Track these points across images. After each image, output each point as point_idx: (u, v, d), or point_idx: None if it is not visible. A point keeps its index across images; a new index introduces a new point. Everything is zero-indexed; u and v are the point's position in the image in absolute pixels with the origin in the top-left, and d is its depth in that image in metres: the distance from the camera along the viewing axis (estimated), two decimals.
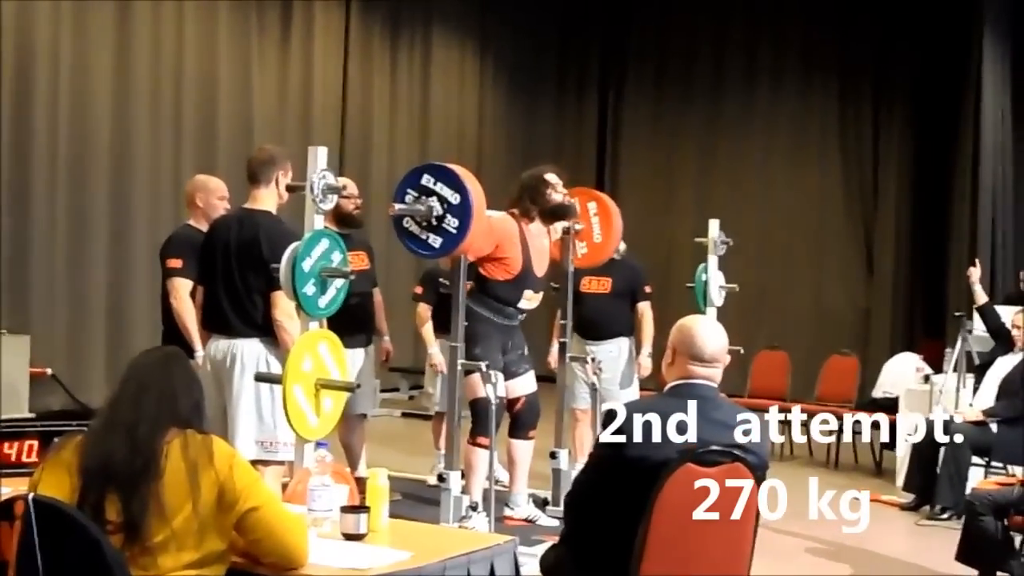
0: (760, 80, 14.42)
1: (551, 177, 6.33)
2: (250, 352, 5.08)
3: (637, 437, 3.42)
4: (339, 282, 4.45)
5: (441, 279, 6.44)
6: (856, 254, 13.92)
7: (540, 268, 6.25)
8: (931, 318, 12.76)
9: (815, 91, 14.09)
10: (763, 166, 14.34)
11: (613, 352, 7.31)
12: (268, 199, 5.21)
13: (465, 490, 6.05)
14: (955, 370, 8.10)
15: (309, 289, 4.34)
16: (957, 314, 8.41)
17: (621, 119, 15.56)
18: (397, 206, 4.76)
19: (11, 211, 9.26)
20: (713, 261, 7.46)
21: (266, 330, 5.06)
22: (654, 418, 3.49)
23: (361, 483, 3.60)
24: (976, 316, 8.28)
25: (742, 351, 7.55)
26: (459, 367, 5.67)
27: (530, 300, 6.20)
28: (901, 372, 9.39)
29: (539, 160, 13.04)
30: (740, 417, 3.57)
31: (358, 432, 6.80)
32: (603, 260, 7.12)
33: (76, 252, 9.79)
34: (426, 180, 4.72)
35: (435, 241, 4.74)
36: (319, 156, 4.41)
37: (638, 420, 3.47)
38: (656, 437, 3.42)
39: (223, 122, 11.12)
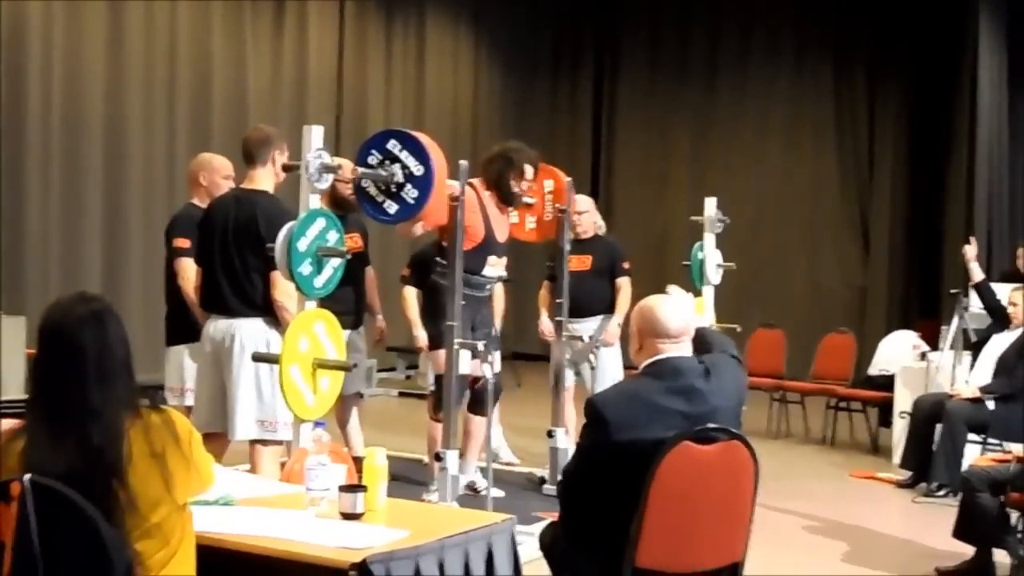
0: (754, 58, 14.38)
1: (528, 171, 6.31)
2: (250, 332, 5.07)
3: (622, 422, 3.42)
4: (335, 261, 4.43)
5: (437, 258, 6.40)
6: (852, 232, 13.92)
7: (501, 234, 6.29)
8: (927, 296, 12.77)
9: (809, 69, 14.06)
10: (758, 145, 14.32)
11: (594, 330, 7.30)
12: (265, 179, 5.21)
13: (428, 466, 6.10)
14: (951, 347, 8.10)
15: (305, 269, 4.33)
16: (953, 292, 8.39)
17: (616, 99, 15.53)
18: (360, 169, 4.74)
19: (5, 193, 9.25)
20: (710, 239, 7.44)
21: (266, 309, 5.06)
22: (636, 401, 3.50)
23: (359, 462, 3.60)
24: (972, 293, 8.28)
25: (739, 329, 7.57)
26: (455, 346, 5.66)
27: (495, 266, 6.22)
28: (897, 350, 9.39)
29: (533, 143, 13.04)
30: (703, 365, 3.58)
31: (354, 412, 6.81)
32: (550, 236, 7.07)
33: (71, 233, 9.79)
34: (392, 145, 4.69)
35: (391, 207, 4.72)
36: (314, 135, 4.39)
37: (620, 405, 3.49)
38: (642, 419, 3.43)
39: (217, 102, 11.09)
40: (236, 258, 5.11)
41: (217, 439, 5.05)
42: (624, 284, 7.40)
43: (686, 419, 3.44)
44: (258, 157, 5.19)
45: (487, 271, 6.18)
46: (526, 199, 6.60)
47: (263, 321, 5.08)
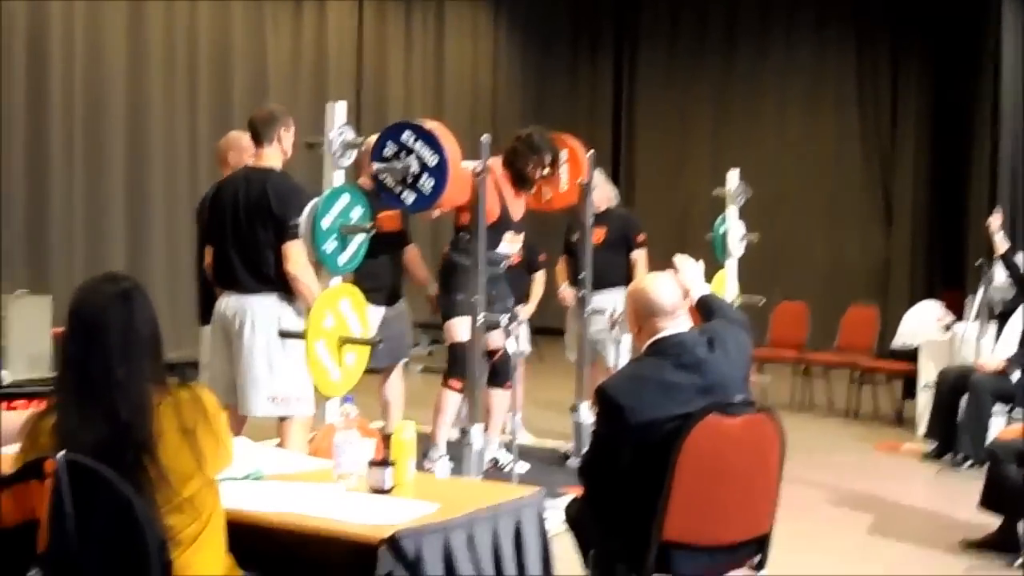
0: (775, 31, 14.31)
1: (546, 158, 6.29)
2: (262, 308, 5.07)
3: (635, 406, 3.43)
4: (359, 238, 4.44)
5: (461, 234, 6.40)
6: (875, 203, 13.86)
7: (517, 212, 6.32)
8: (951, 267, 12.70)
9: (830, 40, 13.97)
10: (779, 117, 14.26)
11: (608, 303, 7.26)
12: (273, 156, 5.21)
13: (431, 435, 6.15)
14: (976, 318, 8.07)
15: (329, 246, 4.35)
16: (978, 263, 8.35)
17: (636, 74, 15.48)
18: (375, 165, 4.77)
19: (29, 173, 9.30)
20: (732, 212, 7.42)
21: (279, 285, 5.07)
22: (646, 382, 3.51)
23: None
24: (997, 264, 8.24)
25: (763, 301, 7.55)
26: (480, 320, 5.68)
27: (511, 242, 6.25)
28: (921, 321, 9.34)
29: (554, 117, 13.00)
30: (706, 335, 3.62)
31: (391, 385, 6.87)
32: (564, 207, 7.06)
33: (95, 212, 9.84)
34: (406, 137, 4.72)
35: (408, 197, 4.75)
36: (337, 112, 4.39)
37: (631, 389, 3.49)
38: (655, 399, 3.44)
39: (238, 81, 11.11)
40: (248, 234, 5.11)
41: (236, 414, 5.10)
42: (640, 258, 7.39)
43: (699, 392, 3.45)
44: (264, 136, 5.20)
45: (503, 247, 6.21)
46: (543, 172, 6.59)
47: (276, 296, 5.08)
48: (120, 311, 2.69)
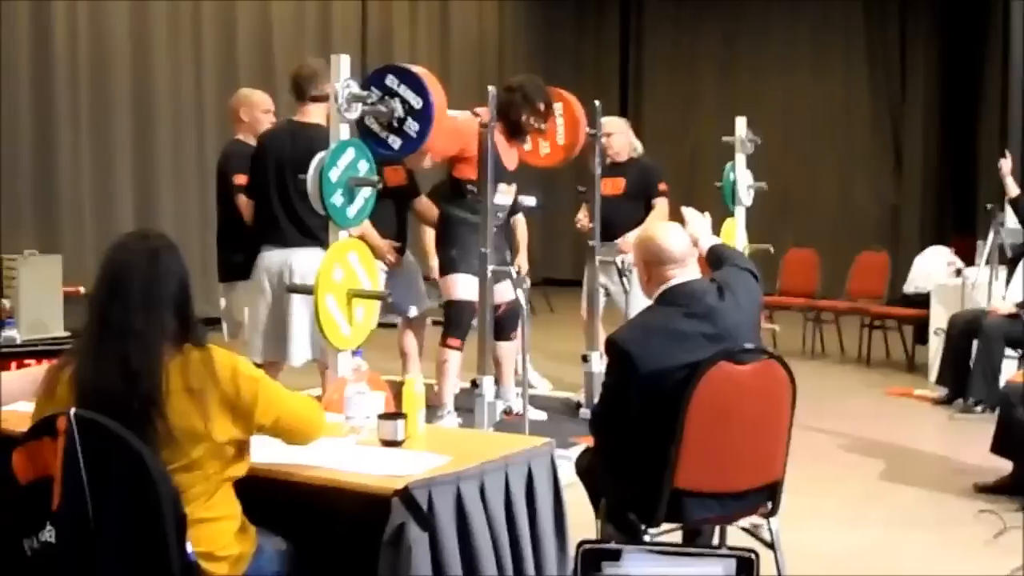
0: None
1: (540, 107, 6.24)
2: (305, 260, 5.22)
3: (646, 355, 3.42)
4: (367, 191, 4.43)
5: (467, 186, 6.38)
6: (884, 149, 13.80)
7: (510, 162, 6.28)
8: (961, 212, 12.67)
9: None
10: (787, 64, 14.18)
11: (628, 255, 7.22)
12: (317, 112, 5.37)
13: (435, 395, 6.14)
14: (987, 263, 8.04)
15: (337, 199, 4.33)
16: (988, 207, 8.31)
17: (643, 24, 15.39)
18: (362, 108, 4.76)
19: (37, 134, 9.29)
20: (741, 160, 7.37)
21: (321, 239, 5.11)
22: (656, 331, 3.51)
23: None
24: (1008, 209, 8.20)
25: (772, 250, 7.53)
26: (489, 273, 5.68)
27: (505, 193, 6.21)
28: (932, 267, 9.32)
29: (560, 68, 12.91)
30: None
31: (408, 335, 6.90)
32: (564, 160, 7.01)
33: (102, 171, 9.84)
34: (390, 81, 4.71)
35: (395, 142, 4.74)
36: (342, 65, 4.37)
37: (641, 339, 3.49)
38: (665, 348, 3.43)
39: (242, 39, 11.07)
40: (292, 189, 5.22)
41: (274, 367, 5.29)
42: (659, 204, 7.31)
43: (708, 340, 3.45)
44: (307, 92, 5.37)
45: (498, 199, 6.18)
46: (539, 125, 6.55)
47: (320, 250, 5.12)
48: (145, 265, 2.74)
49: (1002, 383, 6.71)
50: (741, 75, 14.38)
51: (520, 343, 6.09)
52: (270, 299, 5.42)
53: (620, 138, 7.37)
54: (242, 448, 2.83)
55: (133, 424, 2.59)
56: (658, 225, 3.85)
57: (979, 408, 7.29)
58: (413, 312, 6.84)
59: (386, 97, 4.67)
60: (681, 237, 3.69)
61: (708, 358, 3.36)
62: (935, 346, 8.34)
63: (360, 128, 4.86)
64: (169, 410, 2.66)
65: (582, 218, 7.28)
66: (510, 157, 6.29)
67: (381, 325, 7.31)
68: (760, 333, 3.73)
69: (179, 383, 2.68)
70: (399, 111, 4.69)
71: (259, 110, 6.08)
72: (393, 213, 6.45)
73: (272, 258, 5.40)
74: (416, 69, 4.83)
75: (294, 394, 2.95)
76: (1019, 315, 7.24)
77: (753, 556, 3.02)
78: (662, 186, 7.39)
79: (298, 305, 5.29)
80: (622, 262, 7.13)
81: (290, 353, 5.36)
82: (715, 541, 3.92)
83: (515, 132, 6.26)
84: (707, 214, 4.21)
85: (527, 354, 7.55)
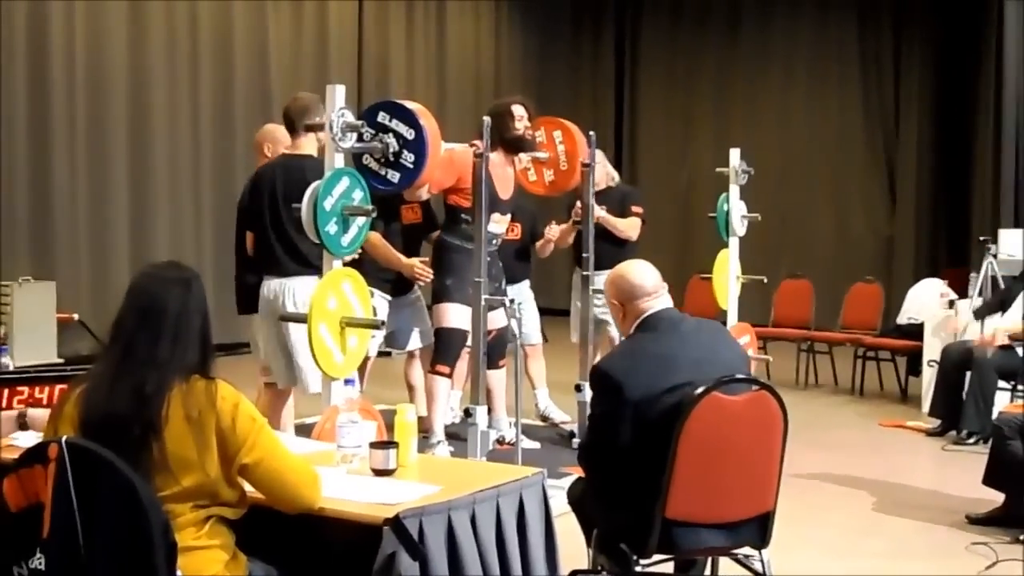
0: (778, 7, 14.26)
1: (516, 109, 6.41)
2: (303, 289, 5.27)
3: (633, 381, 3.44)
4: (361, 220, 4.45)
5: (463, 217, 6.40)
6: (878, 180, 13.83)
7: (504, 192, 6.35)
8: (955, 244, 12.69)
9: (833, 16, 13.91)
10: (782, 95, 14.23)
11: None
12: (308, 144, 5.50)
13: (426, 422, 6.18)
14: (980, 295, 8.06)
15: (331, 228, 4.34)
16: (982, 239, 8.33)
17: (638, 53, 15.44)
18: (354, 145, 4.80)
19: (32, 159, 9.30)
20: (734, 191, 7.40)
21: (318, 268, 5.13)
22: (641, 356, 3.53)
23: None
24: (1001, 240, 8.22)
25: (765, 281, 7.55)
26: (483, 301, 5.69)
27: (498, 223, 6.28)
28: (926, 298, 9.33)
29: (557, 99, 12.98)
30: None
31: (414, 367, 7.04)
32: (570, 187, 7.10)
33: (97, 198, 9.84)
34: (382, 118, 4.76)
35: (394, 176, 4.77)
36: (337, 94, 4.39)
37: (628, 365, 3.51)
38: (652, 372, 3.45)
39: (239, 65, 11.08)
40: (286, 219, 5.32)
41: (285, 391, 5.55)
42: (630, 219, 7.52)
43: (694, 362, 3.48)
44: (299, 124, 5.47)
45: (491, 227, 6.22)
46: (538, 154, 6.63)
47: (316, 278, 5.14)
48: (179, 295, 2.80)
49: (995, 415, 6.72)
50: (736, 105, 14.43)
51: (515, 369, 6.09)
52: (276, 328, 5.45)
53: (599, 168, 7.42)
54: (235, 488, 2.83)
55: (131, 448, 2.62)
56: (625, 263, 3.86)
57: (972, 440, 7.29)
58: (412, 345, 6.88)
59: (379, 134, 4.71)
60: (650, 270, 3.74)
61: (699, 393, 3.35)
62: (928, 377, 8.34)
63: (357, 166, 4.90)
64: (166, 436, 2.68)
65: (553, 233, 7.43)
66: (504, 186, 6.33)
67: (381, 354, 7.38)
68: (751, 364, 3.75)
69: (179, 411, 2.71)
70: (394, 145, 4.73)
71: (282, 146, 6.14)
72: (400, 250, 6.55)
73: (270, 287, 5.48)
74: (406, 103, 4.88)
75: (295, 455, 2.96)
76: (1012, 346, 7.25)
77: None
78: (636, 208, 7.63)
79: (304, 333, 5.27)
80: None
81: (304, 381, 5.42)
82: (707, 572, 3.92)
83: (512, 148, 6.32)
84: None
85: (543, 387, 7.62)
